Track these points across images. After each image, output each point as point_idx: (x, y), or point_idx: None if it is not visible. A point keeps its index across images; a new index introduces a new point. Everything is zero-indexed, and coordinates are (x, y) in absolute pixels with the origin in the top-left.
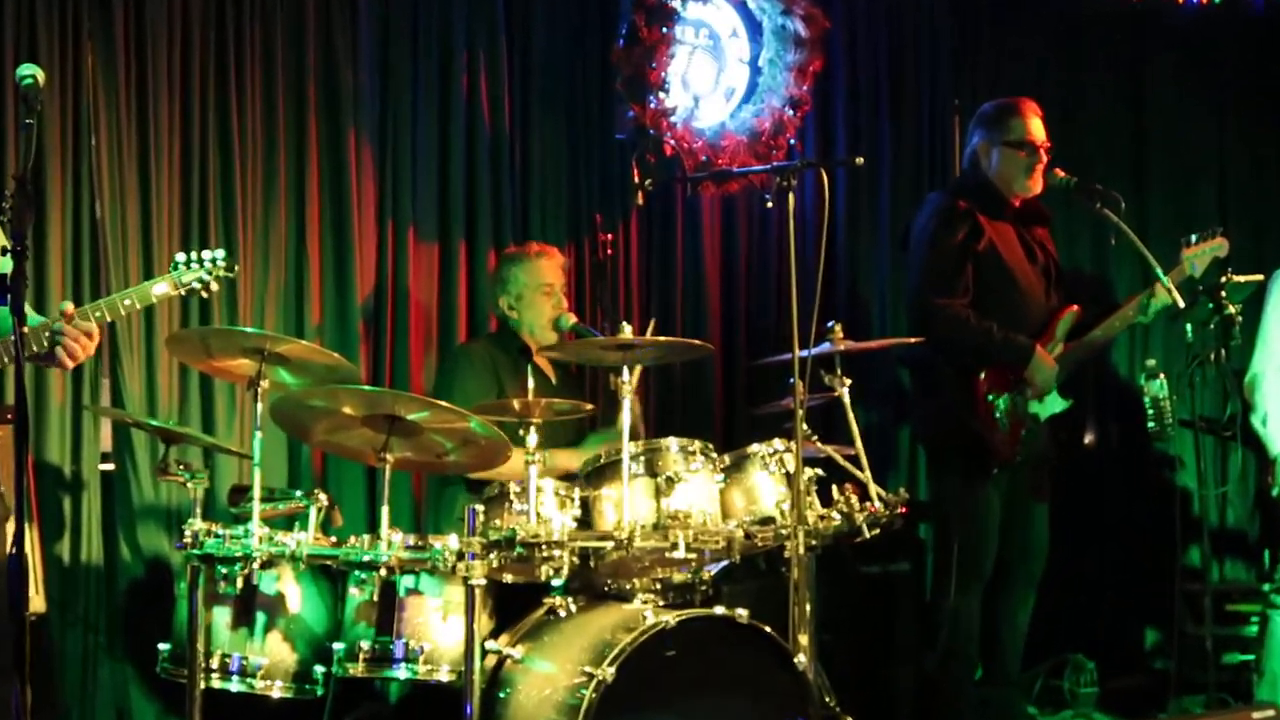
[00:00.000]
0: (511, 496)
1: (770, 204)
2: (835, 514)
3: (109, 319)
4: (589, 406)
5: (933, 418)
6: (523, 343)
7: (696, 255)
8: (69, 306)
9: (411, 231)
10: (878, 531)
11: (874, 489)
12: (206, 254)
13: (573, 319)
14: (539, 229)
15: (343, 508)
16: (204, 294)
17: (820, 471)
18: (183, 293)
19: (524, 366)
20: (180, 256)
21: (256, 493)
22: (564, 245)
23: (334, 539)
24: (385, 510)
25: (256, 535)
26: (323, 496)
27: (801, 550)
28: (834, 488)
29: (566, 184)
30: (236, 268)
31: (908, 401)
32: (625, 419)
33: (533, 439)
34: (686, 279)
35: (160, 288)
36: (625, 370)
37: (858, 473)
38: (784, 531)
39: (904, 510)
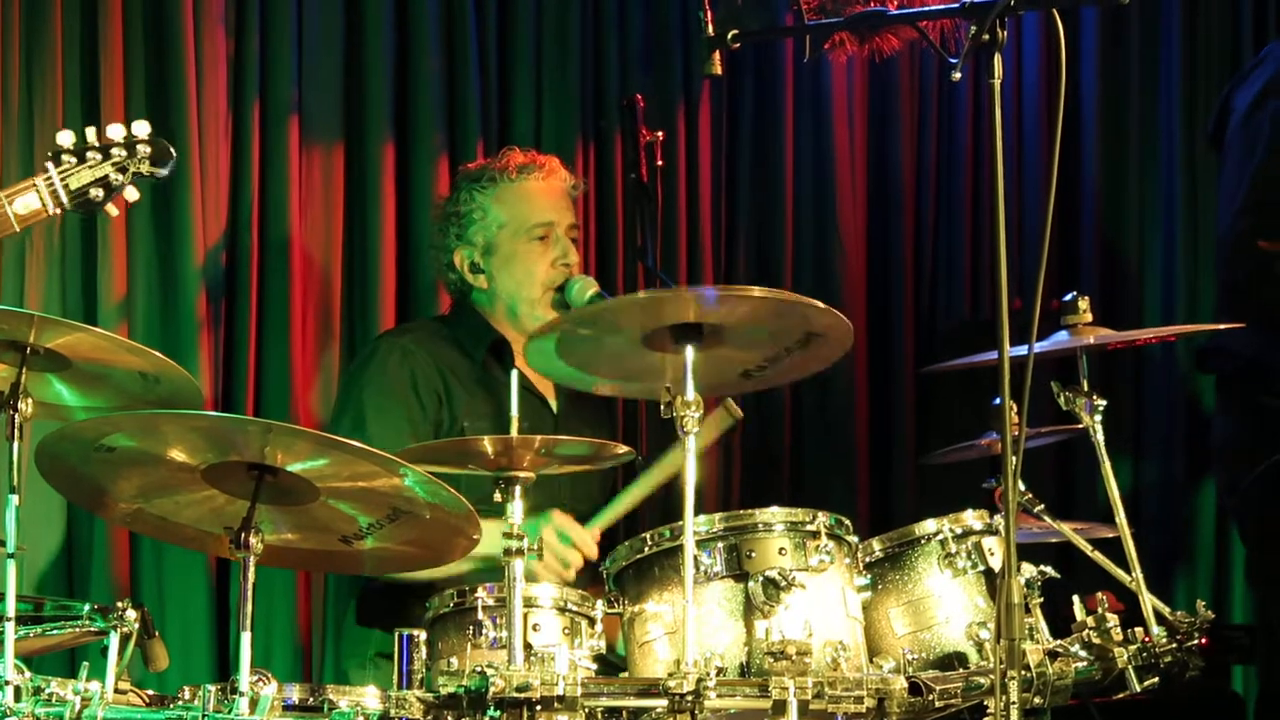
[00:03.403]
0: (480, 614)
1: (958, 75)
2: (1079, 649)
3: None
4: (621, 449)
5: (1268, 478)
6: (496, 334)
7: (819, 172)
8: None
9: (294, 129)
10: (1156, 681)
11: (1150, 603)
12: (115, 131)
13: (591, 288)
14: (528, 126)
15: (169, 634)
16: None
17: (1050, 569)
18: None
19: (499, 375)
20: (65, 139)
21: (10, 608)
22: (573, 155)
23: (151, 693)
24: (246, 640)
25: (10, 687)
26: (131, 615)
27: (1016, 718)
28: (1076, 600)
29: (579, 42)
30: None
31: (1212, 442)
32: (689, 471)
33: (517, 508)
34: (800, 217)
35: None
36: (689, 381)
37: (1119, 573)
38: (983, 682)
39: (1206, 644)
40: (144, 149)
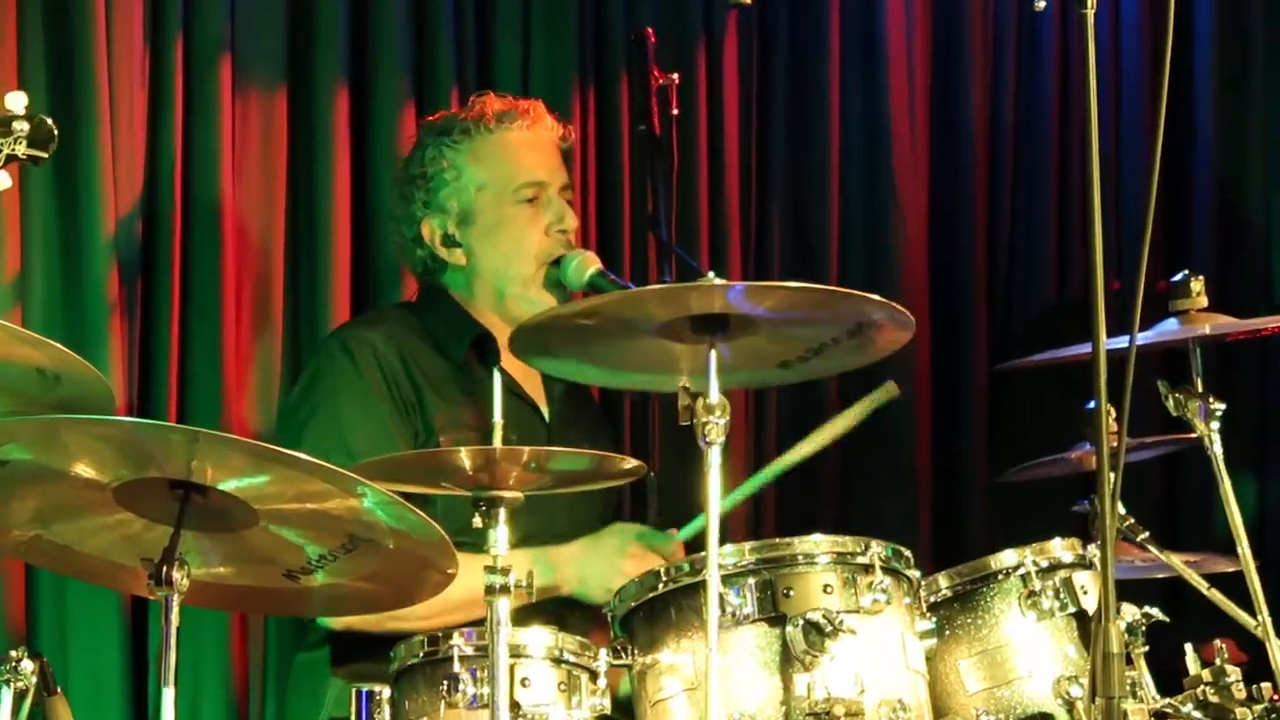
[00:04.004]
0: (455, 666)
1: (1042, 4)
2: (1192, 709)
3: None
4: (629, 463)
5: None
6: (479, 327)
7: (871, 126)
8: None
9: (225, 71)
10: None
11: None
12: None
13: (592, 264)
14: (512, 67)
15: (73, 690)
16: None
17: (1157, 612)
18: None
19: (482, 376)
20: None
21: None
22: (568, 103)
23: None
24: (169, 698)
25: None
26: (28, 666)
27: None
28: (1188, 649)
29: None
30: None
31: None
32: (713, 491)
33: (501, 536)
34: (848, 182)
35: None
36: (712, 382)
37: (1242, 615)
38: None
39: None
40: (20, 127)
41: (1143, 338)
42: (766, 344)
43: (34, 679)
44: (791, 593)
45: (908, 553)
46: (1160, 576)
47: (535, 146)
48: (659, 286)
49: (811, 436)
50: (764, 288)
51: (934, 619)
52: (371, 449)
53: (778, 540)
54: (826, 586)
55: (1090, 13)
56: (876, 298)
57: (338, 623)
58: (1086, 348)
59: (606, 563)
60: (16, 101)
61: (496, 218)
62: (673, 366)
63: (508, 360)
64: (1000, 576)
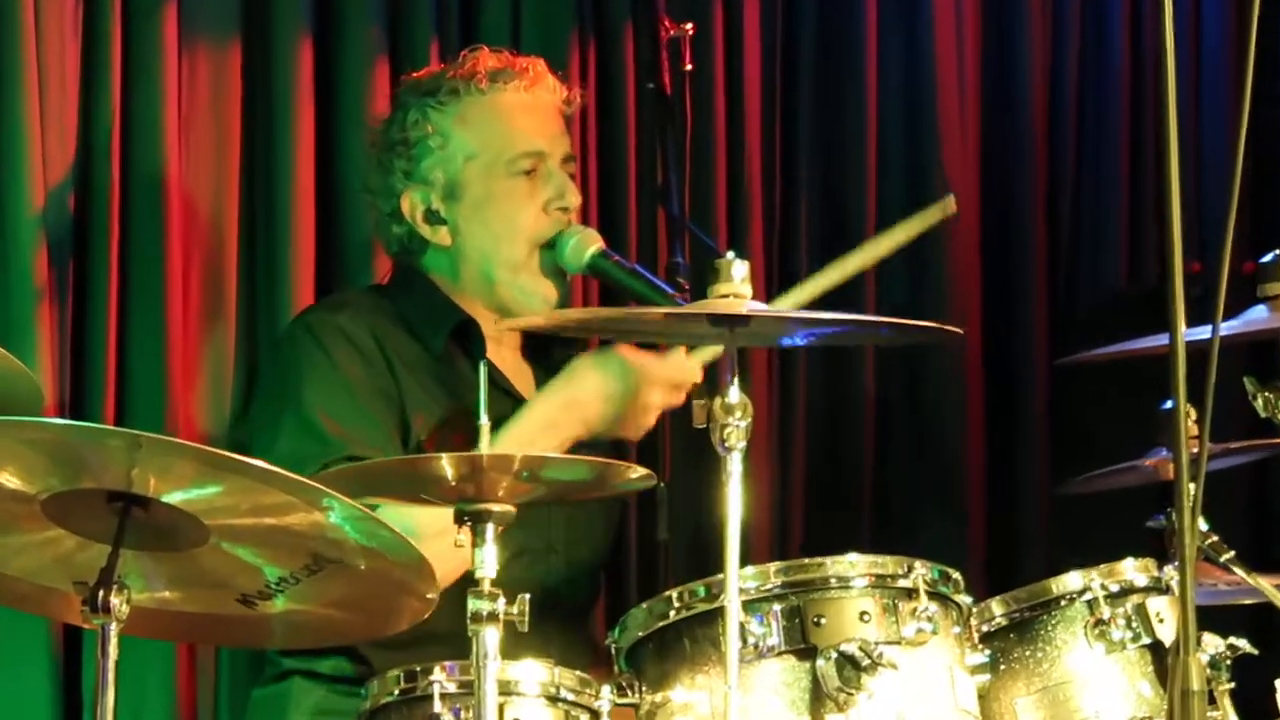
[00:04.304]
0: (436, 705)
1: None
2: None
3: None
4: (635, 470)
5: None
6: (461, 314)
7: (913, 89)
8: None
9: (170, 20)
10: None
11: None
12: None
13: (592, 244)
14: (501, 16)
15: None
16: None
17: (1244, 643)
18: None
19: (461, 368)
20: None
21: None
22: (565, 57)
23: None
24: None
25: None
26: None
27: None
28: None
29: None
30: None
31: None
32: (733, 503)
33: (489, 555)
34: (886, 151)
35: None
36: (731, 381)
37: None
38: None
39: None
40: None
41: (1227, 327)
42: (791, 325)
43: None
44: (823, 621)
45: (956, 575)
46: (1247, 602)
47: (534, 111)
48: (667, 310)
49: (855, 253)
50: (793, 318)
51: (987, 651)
52: (356, 438)
53: (807, 561)
54: (863, 614)
55: None
56: (923, 324)
57: None
58: (1162, 339)
59: (621, 404)
60: None
61: (487, 192)
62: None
63: (494, 352)
64: (1063, 602)
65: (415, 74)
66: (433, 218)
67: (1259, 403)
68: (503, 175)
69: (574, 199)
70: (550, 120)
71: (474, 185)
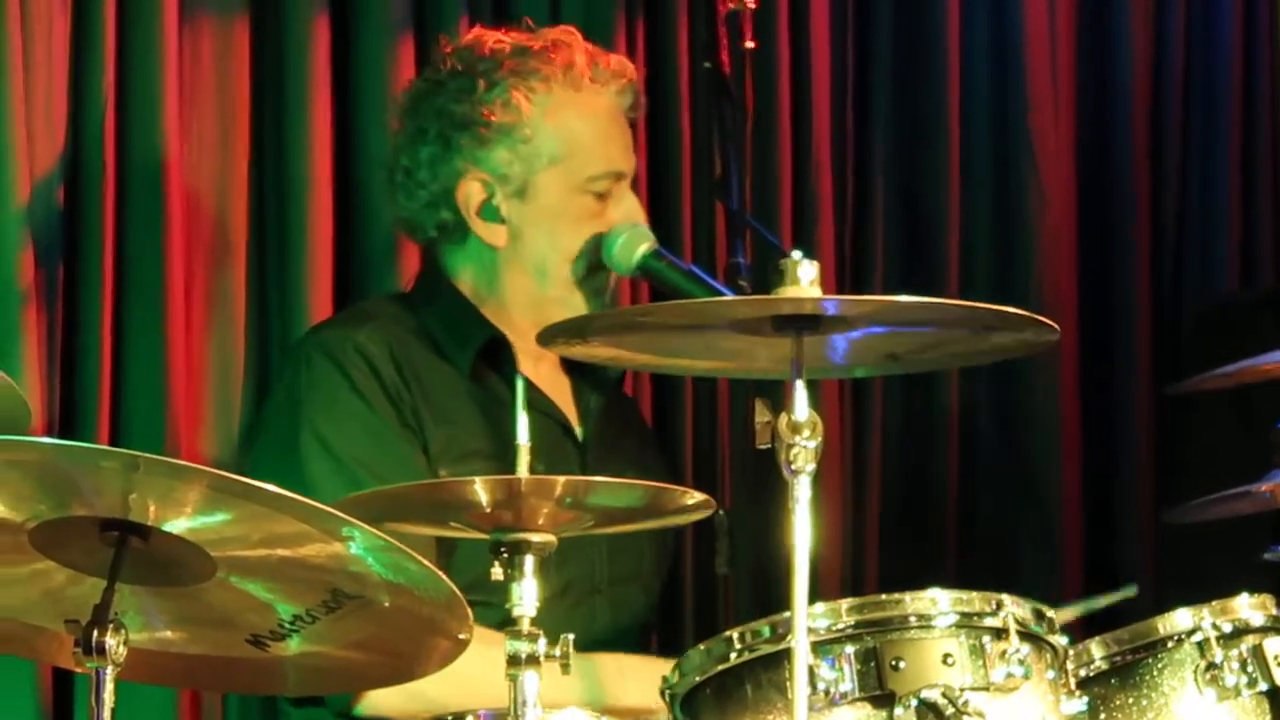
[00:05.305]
0: None
1: None
2: None
3: None
4: (692, 496)
5: None
6: (491, 329)
7: (1000, 69)
8: None
9: None
10: None
11: None
12: None
13: (643, 242)
14: None
15: None
16: None
17: None
18: None
19: (492, 386)
20: None
21: None
22: (611, 34)
23: None
24: None
25: None
26: None
27: None
28: None
29: None
30: None
31: None
32: (800, 532)
33: (529, 590)
34: (970, 140)
35: None
36: (799, 391)
37: None
38: None
39: None
40: None
41: None
42: (869, 339)
43: None
44: (902, 664)
45: (1051, 613)
46: None
47: (620, 122)
48: (729, 299)
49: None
50: (867, 303)
51: (1085, 698)
52: (381, 474)
53: (884, 597)
54: (947, 657)
55: None
56: (1014, 311)
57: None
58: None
59: None
60: None
61: (559, 203)
62: (744, 360)
63: (530, 367)
64: (1170, 644)
65: (483, 34)
66: (490, 213)
67: None
68: (579, 190)
69: (632, 205)
70: (628, 133)
71: (548, 192)
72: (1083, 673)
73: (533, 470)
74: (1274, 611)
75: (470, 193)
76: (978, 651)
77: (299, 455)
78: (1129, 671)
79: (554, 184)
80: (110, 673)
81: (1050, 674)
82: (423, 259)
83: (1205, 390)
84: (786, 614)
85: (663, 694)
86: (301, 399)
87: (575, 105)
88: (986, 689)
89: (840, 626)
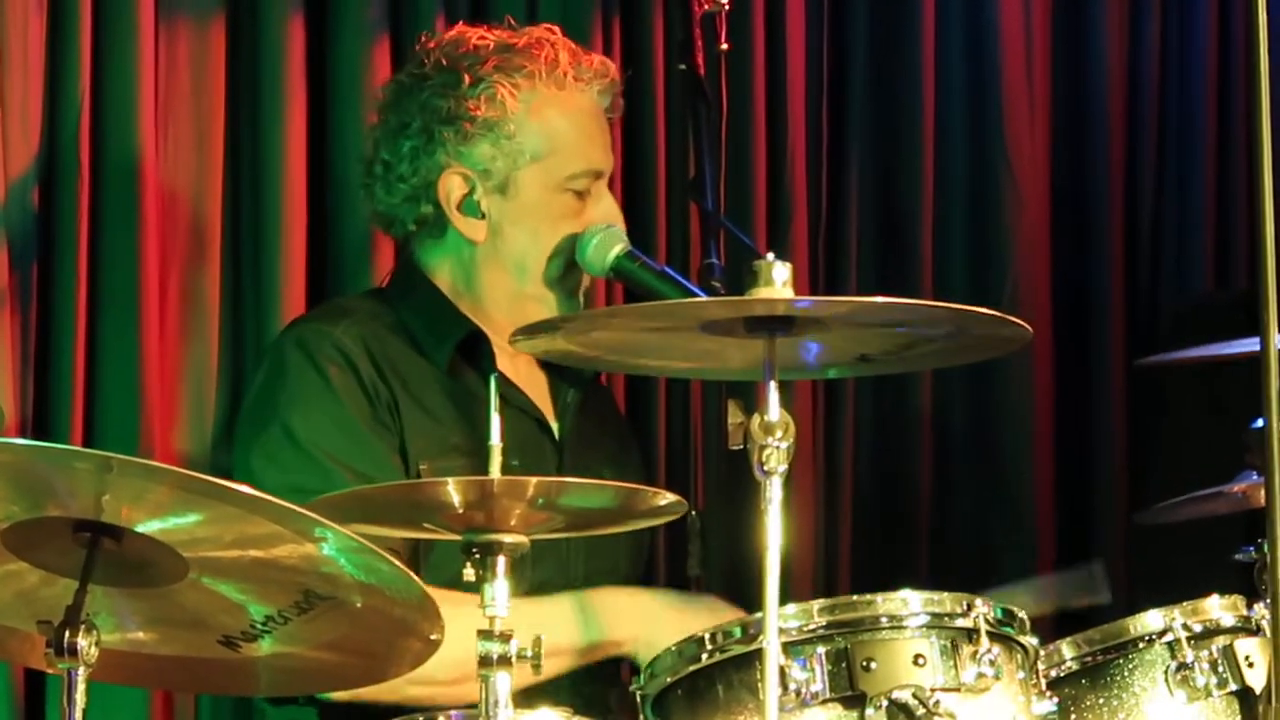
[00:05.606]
0: None
1: None
2: None
3: None
4: (664, 496)
5: None
6: (468, 324)
7: (976, 70)
8: None
9: None
10: None
11: None
12: None
13: (617, 244)
14: None
15: None
16: None
17: None
18: None
19: (469, 382)
20: None
21: None
22: (588, 34)
23: None
24: None
25: None
26: None
27: None
28: None
29: None
30: None
31: None
32: (772, 533)
33: (500, 591)
34: (945, 139)
35: None
36: (772, 392)
37: None
38: None
39: None
40: None
41: None
42: (841, 341)
43: None
44: (873, 665)
45: (1022, 614)
46: None
47: (601, 121)
48: (701, 300)
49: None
50: (841, 304)
51: (1056, 699)
52: (356, 470)
53: (855, 598)
54: (918, 657)
55: None
56: (988, 312)
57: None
58: (1251, 344)
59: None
60: None
61: (539, 200)
62: (716, 361)
63: (506, 363)
64: (1141, 644)
65: (466, 30)
66: (470, 207)
67: None
68: (559, 187)
69: (610, 205)
70: (607, 132)
71: (529, 188)
72: (1054, 673)
73: (510, 468)
74: (1245, 612)
75: (451, 187)
76: (949, 652)
77: (272, 451)
78: (1100, 672)
79: (535, 180)
80: (82, 674)
81: (1021, 674)
82: (398, 255)
83: (1177, 388)
84: (758, 615)
85: (633, 695)
86: (277, 394)
87: (558, 103)
88: (957, 689)
89: (812, 627)
